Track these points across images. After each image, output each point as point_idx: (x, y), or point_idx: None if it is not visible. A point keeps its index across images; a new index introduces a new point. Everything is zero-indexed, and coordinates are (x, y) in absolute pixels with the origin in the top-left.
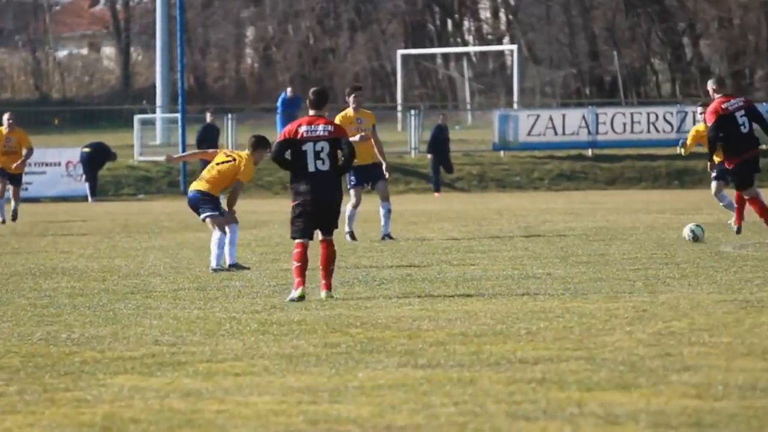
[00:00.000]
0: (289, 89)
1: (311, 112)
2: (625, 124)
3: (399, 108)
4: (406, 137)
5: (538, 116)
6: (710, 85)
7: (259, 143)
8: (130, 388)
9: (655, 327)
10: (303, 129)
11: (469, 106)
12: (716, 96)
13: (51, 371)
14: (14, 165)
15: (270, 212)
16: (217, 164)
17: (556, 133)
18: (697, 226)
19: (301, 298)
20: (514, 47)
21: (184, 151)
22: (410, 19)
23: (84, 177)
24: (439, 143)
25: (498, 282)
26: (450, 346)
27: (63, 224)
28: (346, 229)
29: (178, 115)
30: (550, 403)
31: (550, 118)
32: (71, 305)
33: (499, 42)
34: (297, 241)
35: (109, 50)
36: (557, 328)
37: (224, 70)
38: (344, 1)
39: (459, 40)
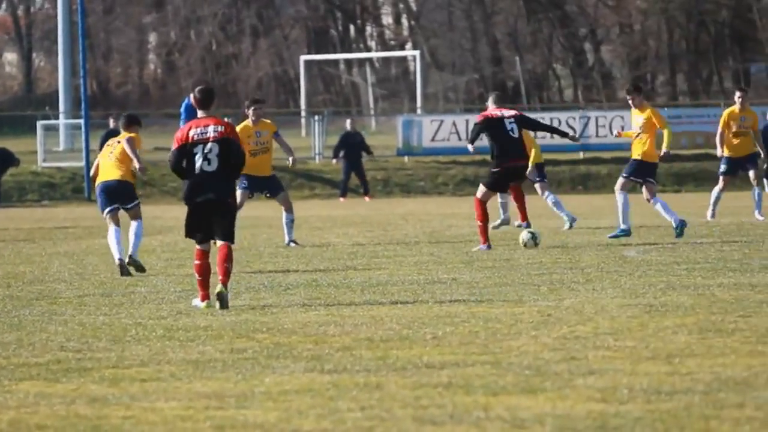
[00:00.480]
0: (192, 95)
1: (200, 113)
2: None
3: (303, 113)
4: (311, 143)
5: (442, 121)
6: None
7: (132, 120)
8: (36, 395)
9: (560, 331)
10: (192, 132)
11: (372, 112)
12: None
13: None
14: None
15: (175, 218)
16: (111, 153)
17: (459, 138)
18: (531, 232)
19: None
20: (417, 53)
21: (87, 157)
22: (313, 25)
23: None
24: (349, 148)
25: (404, 287)
26: (356, 351)
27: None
28: None
29: (82, 121)
30: (457, 408)
31: (454, 124)
32: None
33: (402, 48)
34: (196, 248)
35: (11, 56)
36: (463, 333)
37: (127, 75)
38: (246, 7)
39: (362, 45)
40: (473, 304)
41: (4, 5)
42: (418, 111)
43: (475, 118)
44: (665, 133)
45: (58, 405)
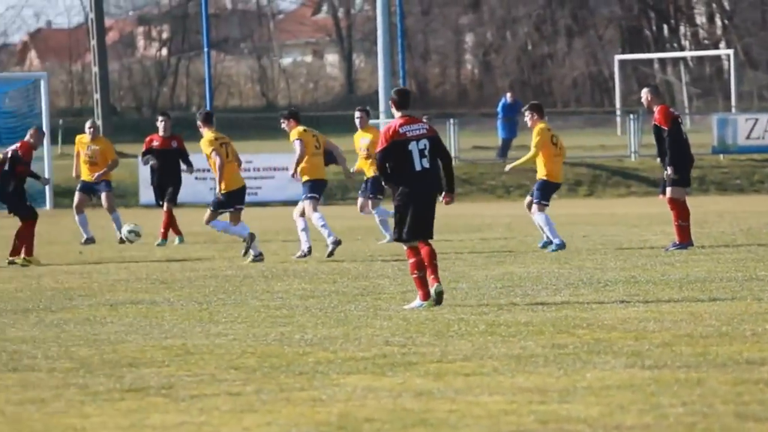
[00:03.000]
0: (508, 94)
1: (399, 113)
2: None
3: (618, 112)
4: (626, 141)
5: (757, 120)
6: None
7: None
8: (363, 388)
9: None
10: (404, 129)
11: (687, 110)
12: None
13: (286, 371)
14: (95, 175)
15: (492, 216)
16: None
17: None
18: None
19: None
20: (731, 52)
21: None
22: (627, 25)
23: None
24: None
25: (722, 284)
26: (676, 347)
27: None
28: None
29: None
30: None
31: None
32: (303, 307)
33: (715, 46)
34: (407, 247)
35: (332, 57)
36: None
37: (445, 75)
38: (561, 7)
39: (675, 44)
40: None
41: (325, 8)
42: (733, 110)
43: None
44: None
45: (384, 398)
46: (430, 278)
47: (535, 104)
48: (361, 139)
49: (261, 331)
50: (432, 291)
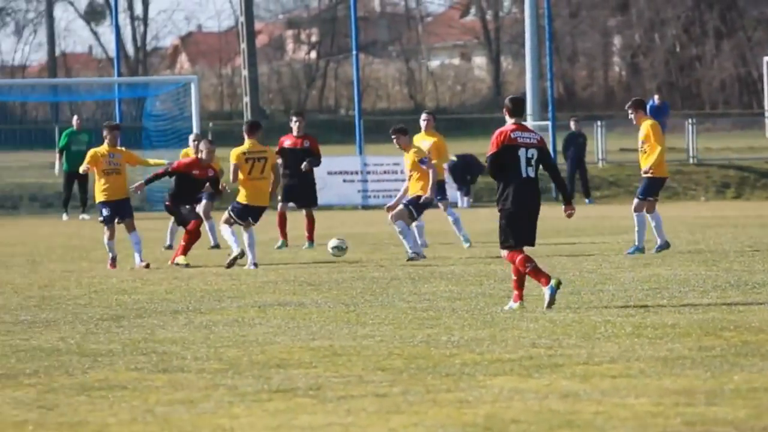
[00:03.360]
0: (656, 96)
1: (512, 120)
2: None
3: (766, 114)
4: None
5: None
6: None
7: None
8: (510, 390)
9: None
10: (516, 135)
11: None
12: None
13: (433, 372)
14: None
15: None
16: None
17: None
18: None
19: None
20: None
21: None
22: None
23: (457, 185)
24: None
25: None
26: None
27: (440, 231)
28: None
29: (548, 123)
30: None
31: None
32: (450, 309)
33: None
34: (509, 252)
35: (479, 60)
36: None
37: (592, 78)
38: (709, 9)
39: None
40: None
41: (473, 10)
42: None
43: None
44: None
45: (531, 400)
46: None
47: (638, 100)
48: (423, 142)
49: (408, 332)
50: (550, 284)
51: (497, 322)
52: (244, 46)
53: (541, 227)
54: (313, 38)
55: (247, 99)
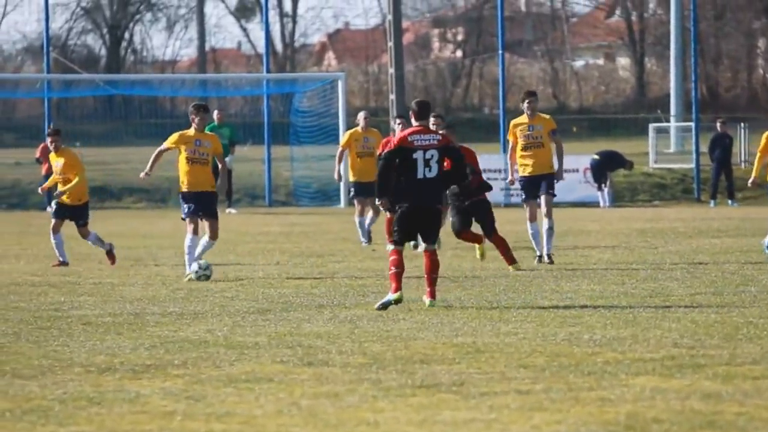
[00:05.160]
0: None
1: (416, 123)
2: None
3: None
4: None
5: None
6: None
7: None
8: (652, 389)
9: None
10: (413, 138)
11: None
12: None
13: (575, 371)
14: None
15: (681, 219)
16: None
17: None
18: None
19: (398, 301)
20: None
21: (698, 159)
22: None
23: (597, 184)
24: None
25: None
26: None
27: (581, 230)
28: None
29: (692, 124)
30: None
31: None
32: (592, 307)
33: None
34: (393, 248)
35: (624, 60)
36: None
37: (736, 80)
38: None
39: None
40: None
41: (618, 11)
42: None
43: None
44: None
45: (672, 400)
46: (426, 290)
47: None
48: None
49: (550, 330)
50: (425, 300)
51: (639, 322)
52: (391, 44)
53: (683, 227)
54: (459, 37)
55: (393, 96)
